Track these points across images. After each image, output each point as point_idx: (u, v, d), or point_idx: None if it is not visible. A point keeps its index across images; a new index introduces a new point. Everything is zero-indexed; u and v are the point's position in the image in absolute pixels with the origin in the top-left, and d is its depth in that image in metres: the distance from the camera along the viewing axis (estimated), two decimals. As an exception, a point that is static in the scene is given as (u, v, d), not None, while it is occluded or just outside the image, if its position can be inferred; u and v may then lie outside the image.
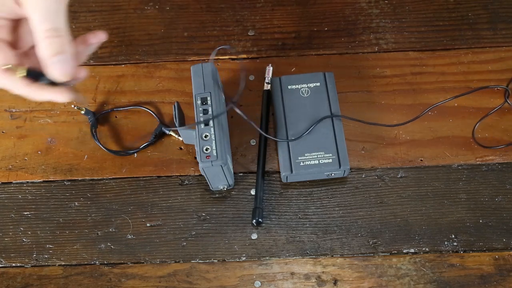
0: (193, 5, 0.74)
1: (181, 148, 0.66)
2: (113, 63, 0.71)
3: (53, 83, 0.45)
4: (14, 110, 0.69)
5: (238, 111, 0.55)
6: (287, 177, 0.62)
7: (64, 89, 0.45)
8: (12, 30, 0.46)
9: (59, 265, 0.61)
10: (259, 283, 0.59)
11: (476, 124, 0.64)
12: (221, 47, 0.43)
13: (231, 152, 0.65)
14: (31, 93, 0.45)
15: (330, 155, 0.61)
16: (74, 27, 0.74)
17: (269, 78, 0.67)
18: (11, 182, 0.65)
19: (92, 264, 0.61)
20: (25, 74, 0.44)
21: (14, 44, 0.46)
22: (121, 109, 0.68)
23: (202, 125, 0.58)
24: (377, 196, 0.62)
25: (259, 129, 0.62)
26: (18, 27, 0.47)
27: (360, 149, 0.65)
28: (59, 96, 0.45)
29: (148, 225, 0.62)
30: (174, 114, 0.61)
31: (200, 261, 0.61)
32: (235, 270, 0.60)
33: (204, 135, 0.57)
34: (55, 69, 0.43)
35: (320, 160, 0.61)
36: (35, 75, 0.44)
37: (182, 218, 0.63)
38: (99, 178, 0.65)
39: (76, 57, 0.44)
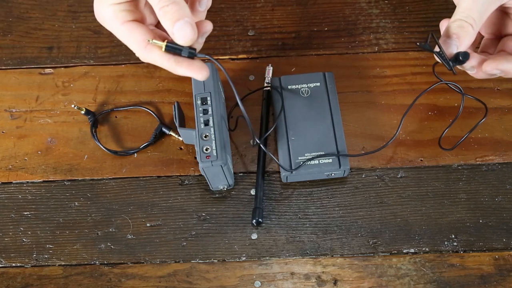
0: (193, 5, 0.74)
1: (181, 148, 0.66)
2: (113, 63, 0.71)
3: (191, 57, 0.47)
4: (14, 110, 0.69)
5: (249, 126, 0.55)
6: (287, 177, 0.62)
7: (201, 65, 0.47)
8: (136, 8, 0.49)
9: (59, 265, 0.61)
10: (259, 283, 0.59)
11: (447, 128, 0.64)
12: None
13: (231, 152, 0.65)
14: (172, 67, 0.47)
15: (330, 155, 0.61)
16: (74, 27, 0.74)
17: (269, 78, 0.67)
18: (11, 182, 0.65)
19: (92, 264, 0.61)
20: (164, 47, 0.46)
21: (141, 21, 0.49)
22: (121, 109, 0.68)
23: (202, 125, 0.58)
24: (377, 196, 0.62)
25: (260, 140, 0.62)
26: (138, 4, 0.49)
27: (360, 149, 0.65)
28: (195, 71, 0.47)
29: (148, 225, 0.62)
30: (174, 114, 0.61)
31: (200, 261, 0.61)
32: (235, 270, 0.60)
33: (204, 135, 0.57)
34: (178, 35, 0.45)
35: (320, 160, 0.61)
36: (174, 49, 0.46)
37: (182, 218, 0.63)
38: (99, 178, 0.65)
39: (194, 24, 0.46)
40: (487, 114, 0.63)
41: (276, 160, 0.61)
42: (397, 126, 0.63)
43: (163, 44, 0.46)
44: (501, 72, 0.49)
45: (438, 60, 0.49)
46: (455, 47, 0.48)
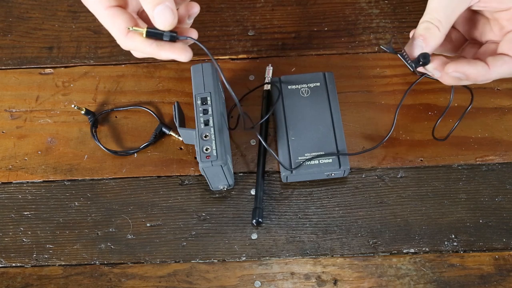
0: (193, 5, 0.74)
1: (181, 148, 0.66)
2: (113, 63, 0.72)
3: (173, 40, 0.47)
4: (14, 110, 0.69)
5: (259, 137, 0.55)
6: (287, 177, 0.62)
7: (183, 46, 0.48)
8: None
9: (59, 265, 0.61)
10: (259, 283, 0.59)
11: (438, 120, 0.64)
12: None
13: (231, 152, 0.65)
14: (155, 52, 0.48)
15: (330, 155, 0.61)
16: (74, 27, 0.74)
17: (269, 78, 0.67)
18: (11, 182, 0.65)
19: (92, 264, 0.61)
20: (144, 33, 0.47)
21: (124, 7, 0.49)
22: (121, 109, 0.68)
23: (202, 125, 0.58)
24: (377, 196, 0.62)
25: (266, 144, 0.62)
26: None
27: (360, 149, 0.65)
28: (179, 53, 0.48)
29: (148, 225, 0.62)
30: (174, 114, 0.61)
31: (200, 261, 0.61)
32: (235, 270, 0.60)
33: (204, 135, 0.57)
34: (158, 20, 0.46)
35: (320, 160, 0.61)
36: (155, 34, 0.47)
37: (182, 218, 0.63)
38: (99, 178, 0.65)
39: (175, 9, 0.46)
40: (473, 99, 0.62)
41: (274, 154, 0.61)
42: (397, 126, 0.63)
43: (144, 30, 0.47)
44: (463, 75, 0.48)
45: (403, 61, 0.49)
46: (420, 48, 0.48)
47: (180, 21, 0.50)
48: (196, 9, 0.50)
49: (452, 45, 0.54)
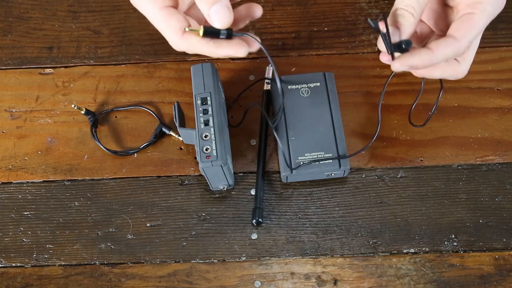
0: (193, 5, 0.74)
1: (181, 148, 0.66)
2: (113, 63, 0.72)
3: (229, 37, 0.47)
4: (14, 110, 0.69)
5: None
6: (287, 177, 0.62)
7: (240, 42, 0.47)
8: None
9: (59, 265, 0.61)
10: (259, 283, 0.59)
11: (413, 104, 0.64)
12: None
13: (231, 152, 0.65)
14: (211, 50, 0.47)
15: (330, 155, 0.61)
16: (74, 27, 0.74)
17: (269, 77, 0.67)
18: (11, 182, 0.65)
19: (92, 264, 0.61)
20: (201, 33, 0.46)
21: (176, 7, 0.49)
22: (121, 109, 0.68)
23: (202, 125, 0.58)
24: (377, 196, 0.62)
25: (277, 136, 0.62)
26: None
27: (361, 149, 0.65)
28: (236, 49, 0.47)
29: (148, 225, 0.62)
30: (174, 114, 0.61)
31: (200, 261, 0.61)
32: (235, 270, 0.60)
33: (204, 135, 0.57)
34: (214, 19, 0.45)
35: (320, 160, 0.61)
36: (212, 32, 0.46)
37: (182, 218, 0.63)
38: (99, 178, 0.65)
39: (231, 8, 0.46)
40: (442, 85, 0.62)
41: (280, 144, 0.60)
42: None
43: (201, 30, 0.46)
44: (409, 67, 0.48)
45: (381, 44, 0.49)
46: (396, 36, 0.48)
47: (237, 21, 0.49)
48: (258, 12, 0.49)
49: (417, 36, 0.54)
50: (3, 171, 0.66)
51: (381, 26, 0.48)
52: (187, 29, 0.47)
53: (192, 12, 0.51)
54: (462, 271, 0.59)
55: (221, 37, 0.47)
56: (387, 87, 0.68)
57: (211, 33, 0.46)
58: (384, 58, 0.50)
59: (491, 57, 0.69)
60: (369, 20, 0.49)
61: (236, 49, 0.47)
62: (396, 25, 0.49)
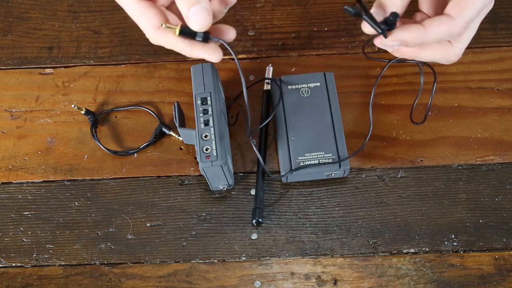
0: (193, 5, 0.74)
1: (181, 148, 0.66)
2: (113, 63, 0.72)
3: (205, 41, 0.46)
4: (14, 110, 0.69)
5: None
6: (287, 177, 0.62)
7: (214, 47, 0.47)
8: None
9: (59, 265, 0.61)
10: (259, 283, 0.59)
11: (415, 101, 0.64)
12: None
13: (231, 152, 0.65)
14: (185, 50, 0.47)
15: (330, 155, 0.61)
16: (74, 27, 0.74)
17: (269, 77, 0.67)
18: (11, 182, 0.65)
19: (92, 264, 0.61)
20: (177, 32, 0.46)
21: (153, 1, 0.48)
22: (121, 109, 0.68)
23: (202, 125, 0.58)
24: (377, 196, 0.62)
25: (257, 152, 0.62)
26: None
27: (360, 149, 0.65)
28: (210, 53, 0.47)
29: (148, 225, 0.62)
30: (174, 114, 0.61)
31: (200, 261, 0.61)
32: (235, 270, 0.60)
33: (204, 135, 0.57)
34: (193, 20, 0.45)
35: (320, 160, 0.61)
36: (188, 33, 0.46)
37: (182, 218, 0.63)
38: (99, 178, 0.65)
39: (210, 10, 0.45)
40: (435, 75, 0.61)
41: (260, 157, 0.61)
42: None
43: (177, 29, 0.46)
44: (399, 42, 0.47)
45: (365, 27, 0.48)
46: (381, 17, 0.47)
47: (215, 14, 0.48)
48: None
49: None
50: (3, 171, 0.66)
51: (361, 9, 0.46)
52: (164, 26, 0.46)
53: (174, 7, 0.49)
54: (462, 271, 0.59)
55: (197, 39, 0.46)
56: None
57: (187, 33, 0.46)
58: (377, 41, 0.48)
59: (491, 57, 0.69)
60: (345, 7, 0.47)
61: (210, 54, 0.47)
62: (382, 7, 0.47)
